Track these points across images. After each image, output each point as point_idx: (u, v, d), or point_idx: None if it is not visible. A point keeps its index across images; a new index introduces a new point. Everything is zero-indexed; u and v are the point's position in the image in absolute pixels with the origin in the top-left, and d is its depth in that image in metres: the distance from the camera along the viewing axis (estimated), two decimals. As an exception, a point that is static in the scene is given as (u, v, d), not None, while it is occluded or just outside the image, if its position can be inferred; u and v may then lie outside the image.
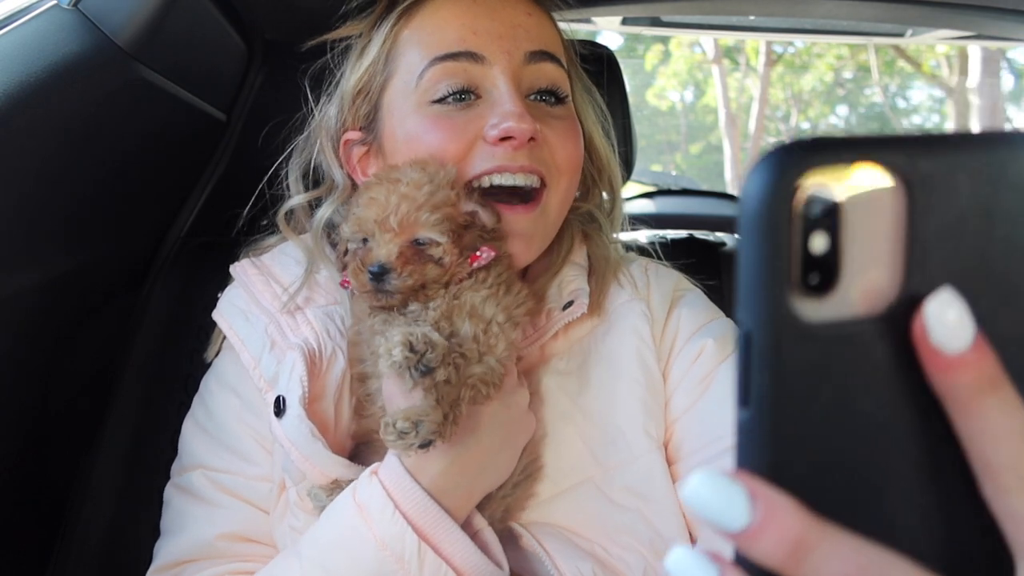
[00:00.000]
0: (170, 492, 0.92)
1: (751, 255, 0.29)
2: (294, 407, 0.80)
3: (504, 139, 0.83)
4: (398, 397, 0.76)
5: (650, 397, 0.89)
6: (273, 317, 0.89)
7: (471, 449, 0.77)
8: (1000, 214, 0.31)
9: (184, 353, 1.16)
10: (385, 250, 0.77)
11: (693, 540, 0.85)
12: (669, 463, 0.88)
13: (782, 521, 0.29)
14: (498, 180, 0.84)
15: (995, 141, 0.31)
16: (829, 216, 0.29)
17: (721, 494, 0.29)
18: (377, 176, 0.82)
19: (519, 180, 0.84)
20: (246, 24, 1.18)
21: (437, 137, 0.84)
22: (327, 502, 0.79)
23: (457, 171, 0.82)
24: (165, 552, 0.88)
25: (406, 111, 0.87)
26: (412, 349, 0.69)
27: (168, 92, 1.04)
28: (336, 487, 0.80)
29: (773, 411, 0.29)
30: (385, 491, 0.73)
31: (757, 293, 0.29)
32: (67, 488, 1.13)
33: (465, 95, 0.85)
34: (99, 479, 1.11)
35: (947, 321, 0.29)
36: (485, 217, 0.81)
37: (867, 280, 0.30)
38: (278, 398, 0.82)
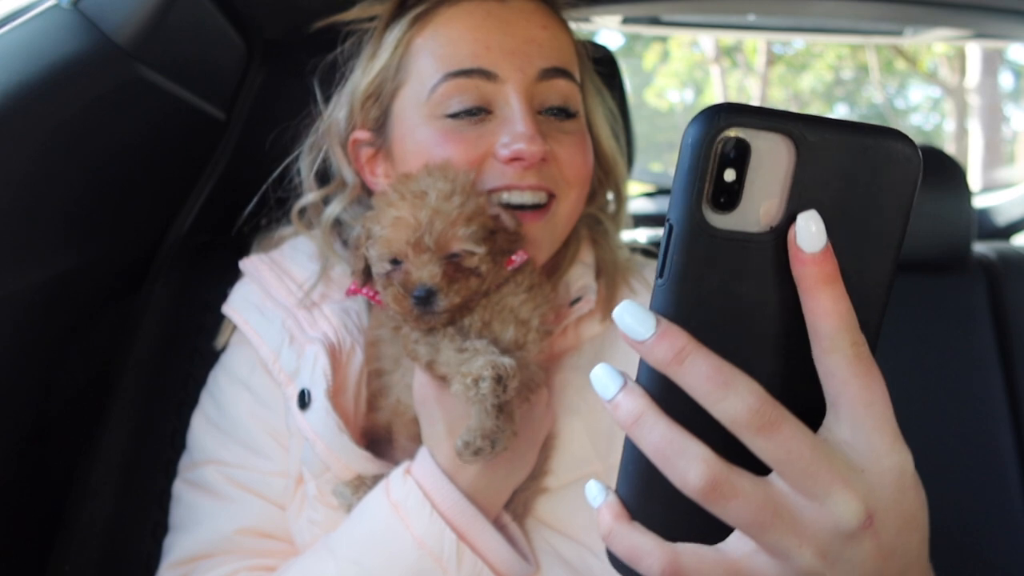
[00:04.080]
0: (180, 488, 0.92)
1: (683, 175, 0.43)
2: (320, 400, 0.81)
3: (515, 159, 0.84)
4: (454, 412, 0.76)
5: None
6: (290, 312, 0.89)
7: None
8: (857, 181, 0.44)
9: (184, 353, 1.16)
10: (427, 272, 0.73)
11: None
12: None
13: (672, 337, 0.43)
14: (507, 198, 0.85)
15: (867, 130, 0.44)
16: (740, 158, 0.43)
17: (639, 315, 0.44)
18: (396, 189, 0.79)
19: (528, 198, 0.86)
20: (246, 23, 1.17)
21: (447, 151, 0.85)
22: (354, 500, 0.79)
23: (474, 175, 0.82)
24: (178, 548, 0.88)
25: (417, 121, 0.88)
26: (499, 380, 0.69)
27: (167, 91, 1.04)
28: (360, 483, 0.81)
29: (679, 280, 0.44)
30: (422, 491, 0.74)
31: (682, 200, 0.43)
32: (67, 487, 1.13)
33: (477, 111, 0.86)
34: (98, 478, 1.10)
35: (810, 229, 0.43)
36: (507, 220, 0.81)
37: (760, 206, 0.44)
38: (302, 391, 0.82)
